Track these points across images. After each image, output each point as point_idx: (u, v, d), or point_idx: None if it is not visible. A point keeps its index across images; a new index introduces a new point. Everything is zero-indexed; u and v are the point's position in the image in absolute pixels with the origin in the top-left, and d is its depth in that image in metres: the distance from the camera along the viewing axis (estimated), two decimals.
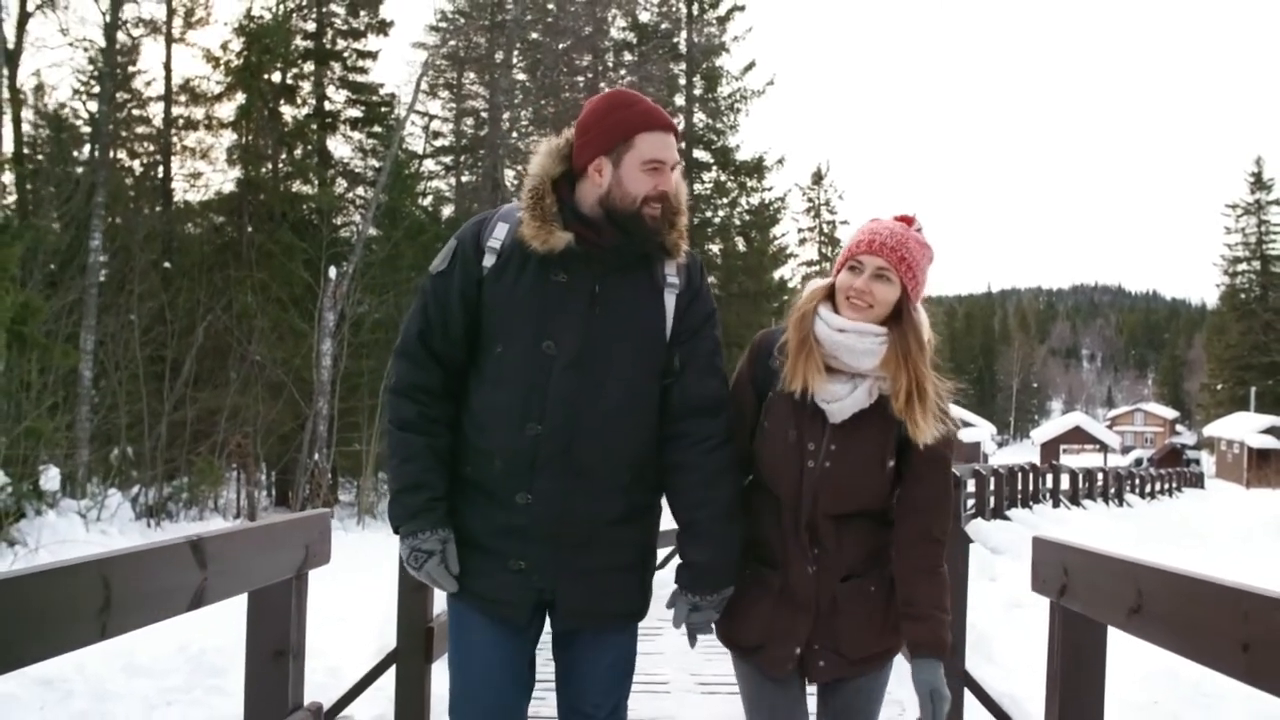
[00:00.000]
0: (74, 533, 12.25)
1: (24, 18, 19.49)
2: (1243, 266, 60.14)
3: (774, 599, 2.24)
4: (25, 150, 19.65)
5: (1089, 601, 2.50)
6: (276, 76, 22.41)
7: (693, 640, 2.33)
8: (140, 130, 23.40)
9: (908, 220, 2.24)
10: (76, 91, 22.82)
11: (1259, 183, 59.83)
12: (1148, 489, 30.69)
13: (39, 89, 21.60)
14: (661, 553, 10.77)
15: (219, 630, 5.72)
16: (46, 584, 1.83)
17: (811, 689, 2.36)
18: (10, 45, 17.53)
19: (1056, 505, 21.36)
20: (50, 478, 12.69)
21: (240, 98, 21.89)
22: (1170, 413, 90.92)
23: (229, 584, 2.41)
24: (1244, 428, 51.56)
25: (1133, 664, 5.32)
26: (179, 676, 4.85)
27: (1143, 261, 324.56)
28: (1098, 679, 2.65)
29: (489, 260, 2.18)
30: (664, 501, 2.35)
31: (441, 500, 2.19)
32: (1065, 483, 23.18)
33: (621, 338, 2.18)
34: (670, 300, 2.24)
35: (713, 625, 2.31)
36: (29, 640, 1.77)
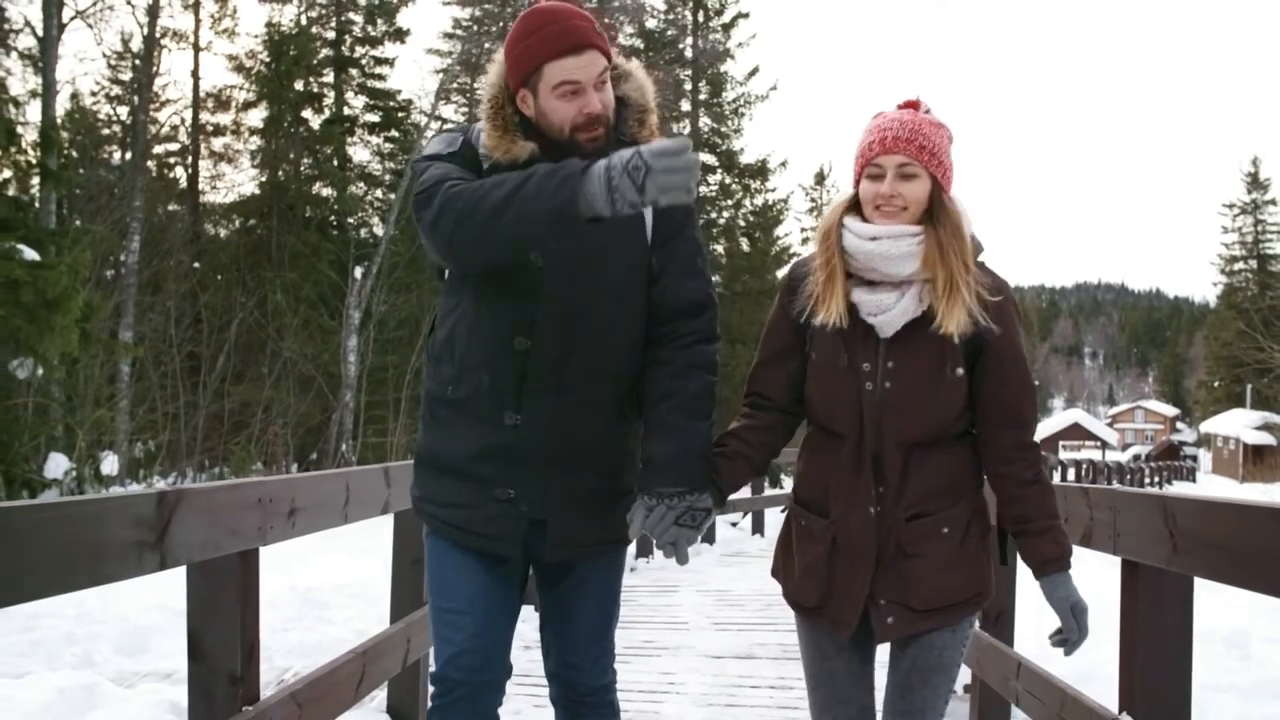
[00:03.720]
0: None
1: (59, 28, 20.56)
2: (1239, 265, 60.94)
3: (828, 551, 2.03)
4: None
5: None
6: (300, 84, 23.46)
7: (676, 556, 2.05)
8: (165, 133, 24.44)
9: (914, 105, 2.06)
10: (106, 97, 23.93)
11: (1255, 182, 60.62)
12: (1137, 481, 31.69)
13: (73, 97, 22.66)
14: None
15: (317, 575, 6.81)
16: (312, 484, 2.87)
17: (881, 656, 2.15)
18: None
19: None
20: (109, 463, 13.80)
21: (266, 104, 23.00)
22: (1171, 410, 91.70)
23: (398, 501, 3.45)
24: (1239, 424, 52.51)
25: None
26: (291, 609, 5.89)
27: (1146, 259, 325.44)
28: (1010, 575, 3.69)
29: (485, 166, 2.05)
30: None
31: None
32: (1055, 475, 24.21)
33: (607, 246, 2.05)
34: None
35: (688, 541, 2.05)
36: (301, 522, 2.80)
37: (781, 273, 32.94)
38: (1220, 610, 6.04)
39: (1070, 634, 1.98)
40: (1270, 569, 1.84)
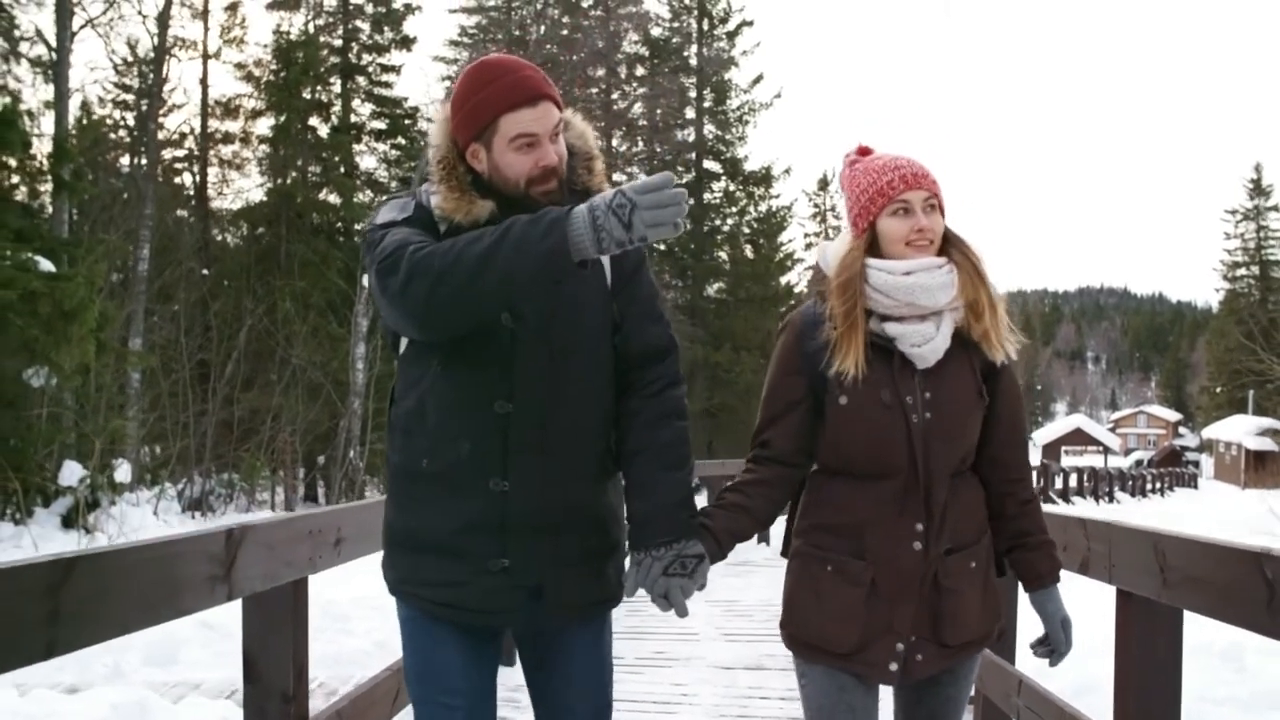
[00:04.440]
0: (145, 522, 13.58)
1: (70, 37, 20.77)
2: (1242, 272, 61.09)
3: (865, 593, 2.01)
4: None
5: None
6: (307, 92, 23.66)
7: (675, 609, 1.97)
8: (172, 140, 24.65)
9: (869, 150, 2.16)
10: (115, 103, 24.15)
11: (1258, 189, 60.78)
12: (1140, 488, 31.84)
13: (83, 106, 22.85)
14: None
15: (337, 589, 6.97)
16: (354, 514, 3.04)
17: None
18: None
19: (1046, 501, 22.53)
20: (123, 471, 13.98)
21: (274, 112, 23.21)
22: (1173, 415, 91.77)
23: None
24: (1241, 430, 52.61)
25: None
26: (312, 621, 6.03)
27: (1149, 264, 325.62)
28: (1012, 595, 3.85)
29: (443, 229, 1.97)
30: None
31: None
32: (1058, 481, 24.34)
33: (575, 300, 2.00)
34: None
35: (683, 591, 1.97)
36: (346, 550, 2.98)
37: (786, 279, 33.11)
38: (1216, 624, 6.18)
39: (1058, 646, 2.11)
40: (1249, 606, 2.01)
